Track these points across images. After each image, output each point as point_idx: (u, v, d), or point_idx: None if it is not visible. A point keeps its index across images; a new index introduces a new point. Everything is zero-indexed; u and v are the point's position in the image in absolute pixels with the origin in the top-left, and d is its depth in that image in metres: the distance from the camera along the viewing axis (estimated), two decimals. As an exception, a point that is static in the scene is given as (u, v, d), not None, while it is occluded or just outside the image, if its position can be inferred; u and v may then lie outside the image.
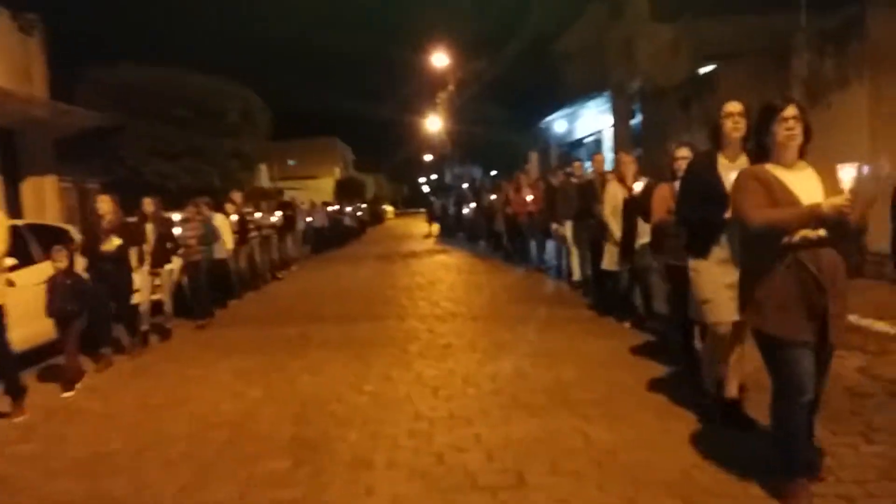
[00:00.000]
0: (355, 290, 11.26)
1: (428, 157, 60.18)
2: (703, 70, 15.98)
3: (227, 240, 9.63)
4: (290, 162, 52.01)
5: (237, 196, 10.92)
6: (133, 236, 7.08)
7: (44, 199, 13.71)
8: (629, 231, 6.24)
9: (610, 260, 6.91)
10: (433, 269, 13.63)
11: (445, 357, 6.08)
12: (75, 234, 8.43)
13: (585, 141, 22.94)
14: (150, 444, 4.29)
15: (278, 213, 13.21)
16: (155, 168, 15.18)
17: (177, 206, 10.51)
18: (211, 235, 9.05)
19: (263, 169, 41.04)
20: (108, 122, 14.14)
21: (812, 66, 10.23)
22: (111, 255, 6.56)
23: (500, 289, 10.10)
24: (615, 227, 6.67)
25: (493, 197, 14.91)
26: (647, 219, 5.10)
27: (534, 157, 28.98)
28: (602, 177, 7.68)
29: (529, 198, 11.02)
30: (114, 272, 6.67)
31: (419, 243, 22.35)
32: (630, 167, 6.49)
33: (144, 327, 7.42)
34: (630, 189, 6.27)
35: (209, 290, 8.97)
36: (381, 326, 7.76)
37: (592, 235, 7.62)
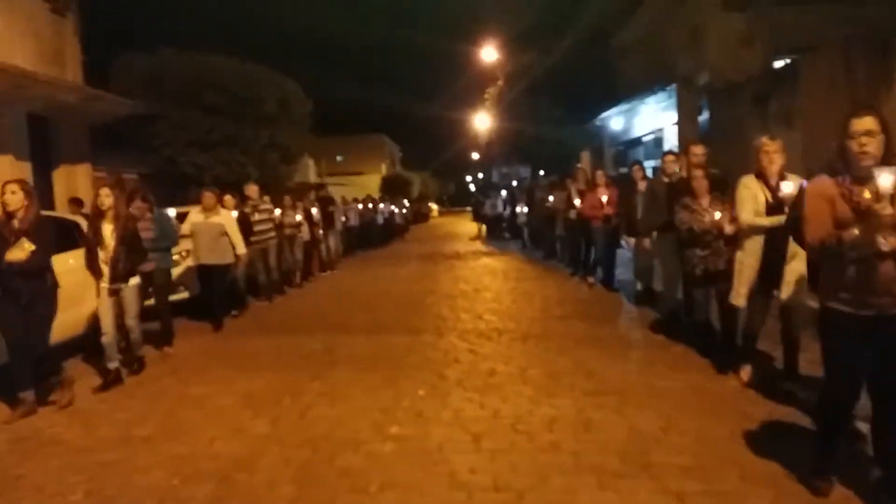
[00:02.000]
0: (392, 295, 10.30)
1: (475, 156, 59.21)
2: (779, 63, 14.58)
3: (237, 241, 8.17)
4: (338, 158, 52.04)
5: (252, 189, 9.87)
6: (56, 240, 5.28)
7: (76, 188, 13.21)
8: (777, 251, 4.42)
9: (740, 291, 4.74)
10: (478, 275, 12.59)
11: (490, 389, 5.05)
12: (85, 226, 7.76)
13: (644, 139, 21.52)
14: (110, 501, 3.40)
15: (314, 210, 12.23)
16: (190, 158, 14.54)
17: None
18: (165, 238, 6.85)
19: (311, 164, 40.90)
20: (141, 110, 13.55)
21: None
22: (22, 268, 4.75)
23: (553, 301, 8.99)
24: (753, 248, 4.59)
25: (551, 198, 12.84)
26: (800, 238, 3.36)
27: (585, 156, 27.65)
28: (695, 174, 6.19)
29: (604, 198, 9.14)
30: (27, 291, 4.82)
31: (464, 244, 21.34)
32: (776, 157, 4.45)
33: (112, 364, 5.66)
34: (774, 189, 4.42)
35: (216, 300, 8.10)
36: (417, 342, 6.77)
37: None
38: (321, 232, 12.79)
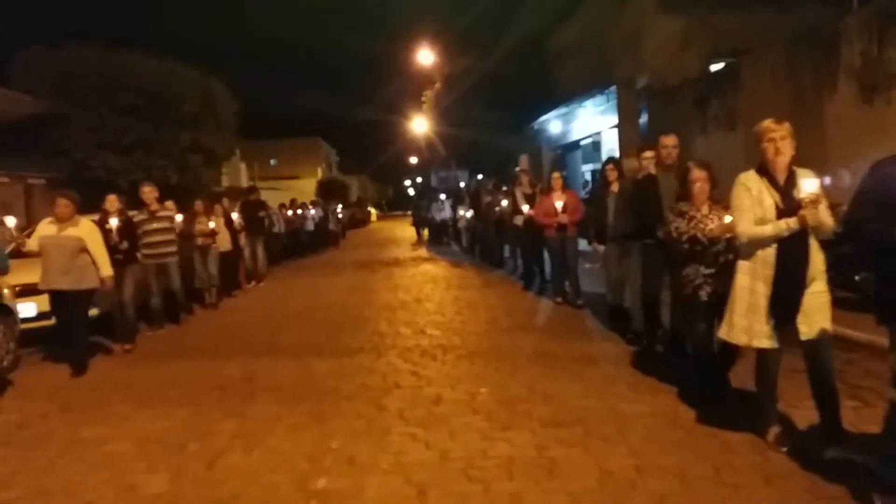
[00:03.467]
0: (325, 308, 9.50)
1: (413, 160, 58.74)
2: (716, 66, 14.59)
3: (100, 260, 6.41)
4: (272, 162, 50.56)
5: (147, 192, 8.15)
6: None
7: (-32, 194, 11.92)
8: (794, 271, 3.46)
9: (733, 323, 3.68)
10: (419, 283, 11.92)
11: (436, 422, 4.39)
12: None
13: (582, 143, 21.40)
14: None
15: (234, 216, 10.99)
16: (103, 162, 13.32)
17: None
18: None
19: (242, 168, 39.37)
20: (44, 109, 12.32)
21: (867, 55, 8.68)
22: None
23: (499, 312, 8.41)
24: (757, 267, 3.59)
25: (504, 202, 11.68)
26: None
27: (524, 159, 27.46)
28: (670, 169, 5.31)
29: (560, 204, 8.05)
30: None
31: (403, 250, 20.63)
32: (784, 146, 3.46)
33: None
34: (784, 189, 3.50)
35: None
36: (352, 365, 6.05)
37: (654, 260, 5.43)
38: (245, 240, 11.66)
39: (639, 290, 5.98)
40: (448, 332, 7.35)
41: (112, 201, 7.51)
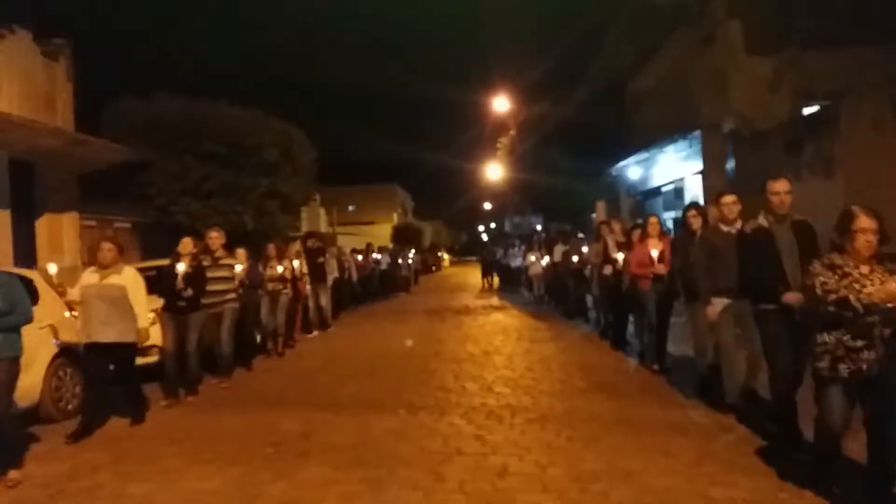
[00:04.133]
0: (390, 358, 9.20)
1: (487, 206, 58.82)
2: (808, 110, 13.72)
3: (139, 310, 6.03)
4: (350, 207, 51.94)
5: (214, 238, 7.92)
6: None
7: (61, 237, 12.44)
8: None
9: None
10: (488, 334, 11.48)
11: (500, 500, 3.93)
12: (43, 281, 6.81)
13: (664, 189, 20.59)
14: None
15: (296, 263, 10.57)
16: (184, 207, 13.71)
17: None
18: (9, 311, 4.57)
19: (321, 213, 40.50)
20: (132, 157, 12.82)
21: None
22: None
23: (574, 369, 7.84)
24: None
25: (584, 249, 10.84)
26: None
27: (601, 206, 26.77)
28: (783, 221, 4.58)
29: (656, 253, 7.10)
30: None
31: (474, 297, 20.27)
32: None
33: None
34: None
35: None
36: (413, 424, 5.66)
37: (775, 330, 4.49)
38: (308, 287, 11.50)
39: (731, 354, 5.34)
40: (517, 390, 6.87)
41: (186, 244, 7.29)
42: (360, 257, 17.75)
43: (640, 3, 19.47)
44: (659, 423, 5.40)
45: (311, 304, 11.78)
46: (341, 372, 8.30)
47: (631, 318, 8.67)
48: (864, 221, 3.48)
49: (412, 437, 5.27)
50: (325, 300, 12.26)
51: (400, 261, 22.82)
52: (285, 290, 9.64)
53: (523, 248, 21.68)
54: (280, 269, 9.51)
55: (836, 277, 3.47)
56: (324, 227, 38.24)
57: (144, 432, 5.87)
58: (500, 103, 32.01)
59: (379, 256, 19.95)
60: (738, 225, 5.21)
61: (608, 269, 8.73)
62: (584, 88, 26.36)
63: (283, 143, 15.31)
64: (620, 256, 8.19)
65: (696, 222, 6.19)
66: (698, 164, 17.10)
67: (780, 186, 4.63)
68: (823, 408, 3.62)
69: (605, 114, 25.30)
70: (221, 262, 7.87)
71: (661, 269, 6.99)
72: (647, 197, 22.76)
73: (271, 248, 9.71)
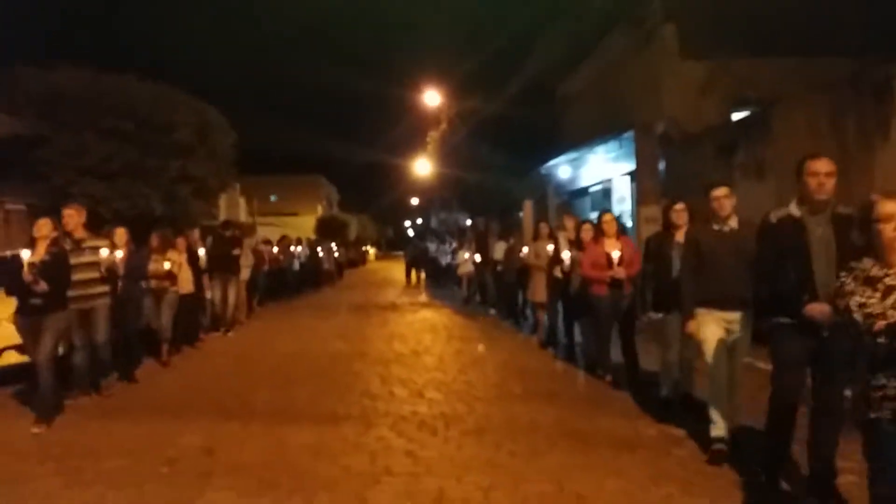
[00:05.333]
0: (310, 359, 8.45)
1: (415, 201, 58.35)
2: (737, 115, 13.91)
3: None
4: (272, 198, 50.22)
5: (71, 215, 6.14)
6: None
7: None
8: None
9: None
10: (417, 332, 10.90)
11: (437, 534, 3.35)
12: None
13: (591, 190, 20.62)
14: None
15: (200, 252, 9.36)
16: (84, 189, 12.39)
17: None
18: None
19: (242, 203, 38.74)
20: (22, 130, 11.46)
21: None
22: None
23: (510, 372, 7.36)
24: None
25: (525, 249, 9.61)
26: None
27: (528, 205, 26.69)
28: (822, 209, 3.64)
29: (616, 254, 6.23)
30: None
31: (401, 292, 19.65)
32: None
33: None
34: None
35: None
36: (335, 438, 5.00)
37: (792, 350, 3.68)
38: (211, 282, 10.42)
39: (720, 383, 4.41)
40: (451, 395, 6.31)
41: (42, 227, 5.64)
42: (275, 249, 16.39)
43: (576, 2, 19.40)
44: (605, 435, 4.96)
45: (217, 298, 10.68)
46: (253, 375, 7.48)
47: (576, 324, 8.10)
48: (890, 206, 2.70)
49: (333, 453, 4.61)
50: (232, 295, 10.84)
51: (321, 254, 21.63)
52: (173, 288, 8.24)
53: (453, 244, 21.26)
54: (166, 264, 8.02)
55: (879, 295, 2.62)
56: (244, 217, 36.57)
57: (14, 446, 4.95)
58: (431, 97, 31.44)
59: (298, 249, 18.79)
60: (733, 223, 4.47)
61: (557, 271, 7.93)
62: (515, 85, 26.18)
63: (197, 123, 14.13)
64: (567, 255, 7.49)
65: (681, 218, 5.40)
66: (627, 166, 17.14)
67: (822, 166, 3.57)
68: (883, 469, 2.69)
69: (536, 112, 25.22)
70: (84, 245, 6.19)
71: (621, 272, 6.18)
72: (575, 197, 22.78)
73: (154, 239, 8.24)
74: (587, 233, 7.08)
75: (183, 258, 8.69)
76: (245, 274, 11.85)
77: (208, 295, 10.48)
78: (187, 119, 13.73)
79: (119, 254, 6.60)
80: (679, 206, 5.47)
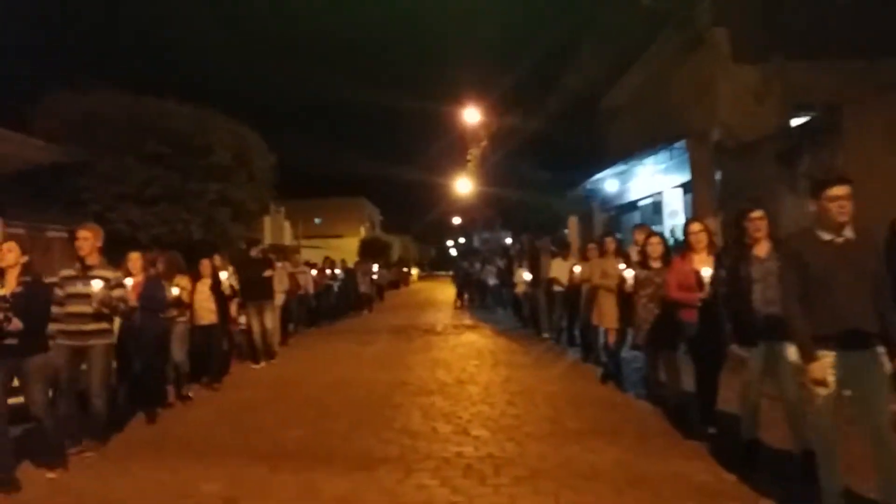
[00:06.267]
0: (347, 390, 7.94)
1: (456, 220, 58.05)
2: (795, 121, 13.04)
3: None
4: (317, 220, 50.69)
5: (84, 238, 5.58)
6: None
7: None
8: None
9: None
10: (461, 358, 10.32)
11: None
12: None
13: (640, 203, 19.78)
14: None
15: (223, 276, 8.47)
16: (123, 214, 12.28)
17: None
18: None
19: (287, 226, 39.09)
20: (61, 156, 11.41)
21: None
22: None
23: (564, 404, 6.72)
24: None
25: (577, 268, 8.87)
26: None
27: (573, 221, 25.96)
28: None
29: (708, 272, 5.05)
30: None
31: (444, 314, 19.12)
32: None
33: None
34: None
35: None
36: (369, 486, 4.45)
37: None
38: (239, 308, 9.66)
39: (830, 440, 3.55)
40: (499, 433, 5.71)
41: (5, 253, 4.84)
42: (313, 272, 15.68)
43: (619, 11, 18.79)
44: (681, 483, 4.29)
45: (254, 327, 10.02)
46: (286, 409, 6.99)
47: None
48: None
49: (368, 505, 4.07)
50: (270, 321, 10.22)
51: (360, 276, 20.81)
52: (181, 319, 7.45)
53: (500, 263, 20.62)
54: (174, 290, 7.17)
55: None
56: (288, 240, 36.84)
57: (27, 493, 4.56)
58: (471, 114, 31.15)
59: (338, 272, 18.17)
60: (849, 233, 3.56)
61: (643, 295, 6.52)
62: (557, 99, 25.61)
63: (236, 146, 13.95)
64: (629, 275, 6.39)
65: (760, 229, 4.49)
66: (678, 178, 16.33)
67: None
68: None
69: (579, 126, 24.56)
70: (92, 273, 5.40)
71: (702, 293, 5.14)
72: (623, 211, 21.96)
73: (160, 263, 7.47)
74: (655, 247, 6.10)
75: (206, 284, 8.13)
76: (279, 300, 11.32)
77: (241, 322, 10.04)
78: (226, 142, 13.57)
79: (129, 282, 5.98)
80: (757, 213, 4.52)
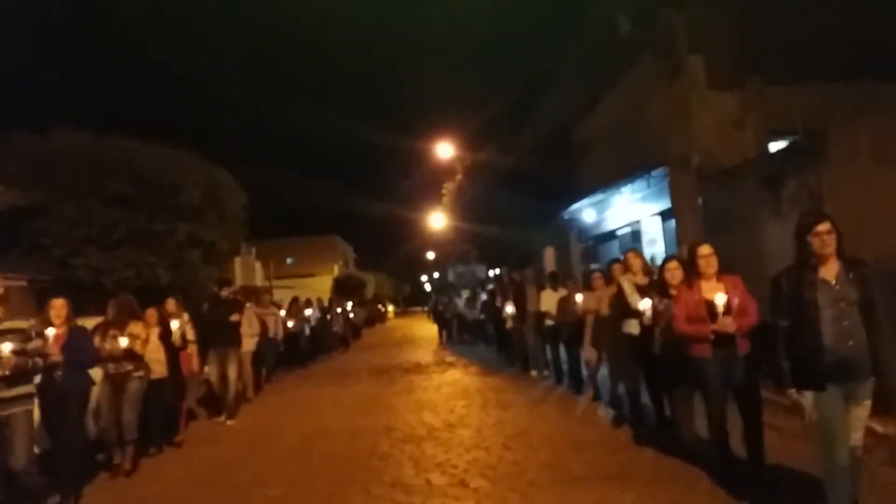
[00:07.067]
0: (329, 439, 7.38)
1: (430, 255, 57.76)
2: (775, 145, 13.02)
3: None
4: (288, 260, 50.04)
5: None
6: None
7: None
8: None
9: None
10: (448, 398, 9.81)
11: None
12: None
13: (619, 233, 19.65)
14: None
15: (173, 325, 7.41)
16: (87, 260, 11.66)
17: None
18: None
19: (258, 267, 38.32)
20: (22, 200, 10.81)
21: None
22: None
23: (563, 446, 6.25)
24: None
25: (579, 297, 8.37)
26: None
27: (549, 252, 25.81)
28: None
29: (721, 299, 4.55)
30: None
31: (424, 351, 18.58)
32: None
33: None
34: None
35: None
36: (363, 554, 3.94)
37: None
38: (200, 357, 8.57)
39: None
40: (500, 483, 5.22)
41: None
42: (282, 312, 14.23)
43: (593, 41, 18.92)
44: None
45: (214, 377, 8.98)
46: (262, 465, 6.39)
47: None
48: None
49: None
50: (233, 371, 8.89)
51: (329, 315, 19.54)
52: (137, 374, 6.53)
53: (481, 297, 20.20)
54: (123, 340, 6.31)
55: None
56: (260, 281, 36.10)
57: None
58: (444, 149, 31.10)
59: (309, 312, 16.95)
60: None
61: (632, 326, 6.36)
62: (531, 132, 25.67)
63: (206, 185, 13.47)
64: (646, 305, 5.77)
65: (828, 244, 3.70)
66: (656, 205, 16.27)
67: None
68: None
69: (554, 156, 24.56)
70: (2, 327, 4.80)
71: (730, 324, 4.54)
72: (601, 241, 21.82)
73: (111, 309, 6.63)
74: (673, 273, 5.43)
75: (154, 333, 7.12)
76: (250, 345, 10.43)
77: (206, 372, 9.19)
78: (195, 181, 13.09)
79: (51, 332, 5.21)
80: (823, 226, 3.71)
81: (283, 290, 29.95)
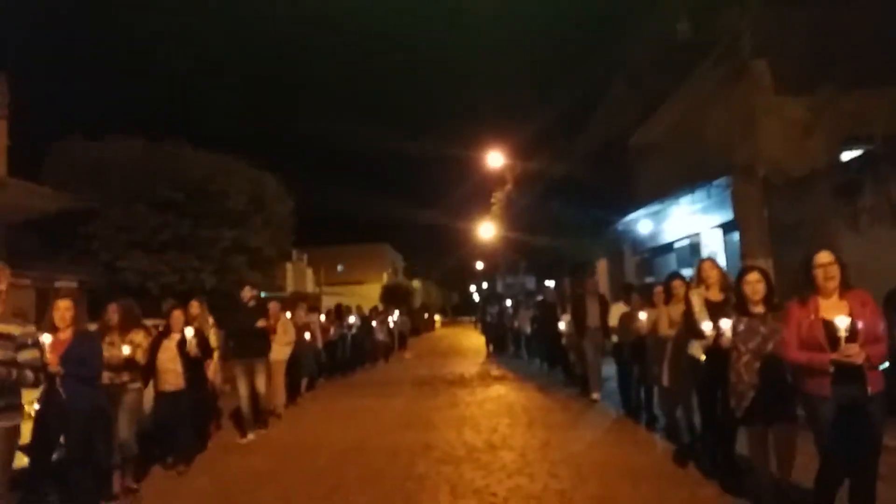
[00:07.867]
0: (365, 456, 7.02)
1: (479, 265, 57.31)
2: (847, 154, 12.13)
3: None
4: (339, 268, 50.50)
5: None
6: None
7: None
8: None
9: None
10: (491, 415, 9.35)
11: None
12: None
13: (677, 245, 18.79)
14: None
15: (188, 333, 6.51)
16: (133, 263, 11.72)
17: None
18: None
19: (309, 273, 38.65)
20: (68, 204, 10.92)
21: None
22: None
23: (616, 474, 5.72)
24: None
25: (642, 315, 7.37)
26: None
27: (602, 265, 24.98)
28: None
29: (844, 322, 3.63)
30: None
31: (470, 363, 18.13)
32: None
33: None
34: None
35: None
36: None
37: None
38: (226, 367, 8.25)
39: None
40: (545, 518, 4.74)
41: None
42: (322, 318, 13.62)
43: (652, 46, 18.25)
44: None
45: (241, 391, 8.10)
46: (292, 483, 6.06)
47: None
48: None
49: None
50: (262, 384, 8.27)
51: (375, 323, 18.66)
52: (134, 385, 5.94)
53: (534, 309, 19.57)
54: (125, 348, 5.73)
55: None
56: (311, 288, 36.40)
57: None
58: (494, 158, 30.67)
59: (352, 320, 16.29)
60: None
61: (696, 348, 5.59)
62: (584, 139, 25.02)
63: (252, 191, 13.44)
64: (726, 326, 4.51)
65: None
66: (717, 217, 15.42)
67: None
68: None
69: (608, 165, 23.83)
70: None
71: (857, 353, 3.59)
72: (657, 254, 20.97)
73: (113, 313, 5.97)
74: (754, 286, 4.41)
75: (174, 341, 6.58)
76: (283, 353, 9.64)
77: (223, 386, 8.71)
78: (241, 187, 13.06)
79: (47, 338, 4.58)
80: None
81: (333, 297, 30.08)
